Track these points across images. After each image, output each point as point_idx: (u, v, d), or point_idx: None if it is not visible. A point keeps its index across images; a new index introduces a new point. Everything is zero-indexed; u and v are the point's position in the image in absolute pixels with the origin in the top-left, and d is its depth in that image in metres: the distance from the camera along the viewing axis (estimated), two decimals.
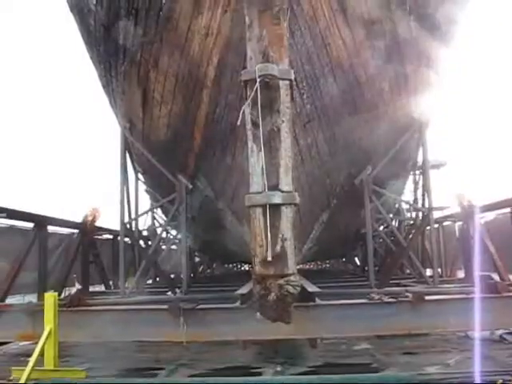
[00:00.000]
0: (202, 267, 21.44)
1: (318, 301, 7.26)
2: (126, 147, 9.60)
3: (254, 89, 4.28)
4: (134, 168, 10.47)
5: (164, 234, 12.98)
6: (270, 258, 4.17)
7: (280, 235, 4.22)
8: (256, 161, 4.25)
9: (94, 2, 6.98)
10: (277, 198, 4.19)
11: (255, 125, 4.29)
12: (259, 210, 4.20)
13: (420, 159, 10.31)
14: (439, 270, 12.10)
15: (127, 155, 9.75)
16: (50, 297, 6.65)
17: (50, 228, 10.76)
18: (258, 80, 4.28)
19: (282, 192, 4.23)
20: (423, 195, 10.21)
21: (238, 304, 7.26)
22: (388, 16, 6.58)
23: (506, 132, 49.18)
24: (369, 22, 6.44)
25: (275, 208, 4.20)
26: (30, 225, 10.10)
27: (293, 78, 4.55)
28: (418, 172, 11.94)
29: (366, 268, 11.51)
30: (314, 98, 6.70)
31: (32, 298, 9.84)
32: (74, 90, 51.40)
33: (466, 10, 7.73)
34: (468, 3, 7.62)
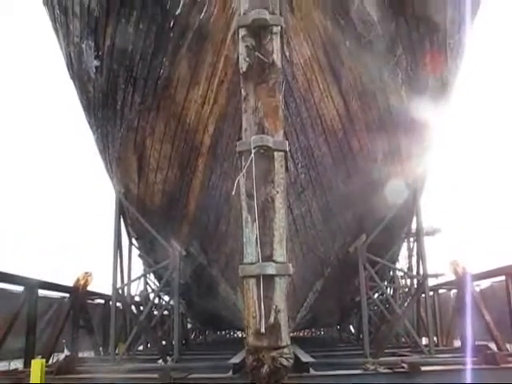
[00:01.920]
0: (194, 334, 21.15)
1: (312, 371, 7.13)
2: (121, 212, 9.62)
3: (249, 160, 4.31)
4: (128, 233, 10.45)
5: (156, 300, 12.86)
6: (263, 330, 4.11)
7: (273, 306, 4.16)
8: (250, 231, 4.24)
9: (94, 71, 7.14)
10: (270, 269, 4.15)
11: (249, 196, 4.31)
12: (253, 281, 4.16)
13: (414, 226, 10.35)
14: (435, 338, 11.92)
15: (121, 220, 9.75)
16: (37, 363, 6.53)
17: (41, 292, 10.61)
18: (253, 151, 4.32)
19: (276, 263, 4.19)
20: (418, 262, 10.17)
21: (230, 374, 7.11)
22: (380, 87, 6.74)
23: (502, 199, 49.48)
24: (362, 94, 6.58)
25: (269, 279, 4.16)
26: (20, 288, 9.96)
27: (287, 149, 4.59)
28: (412, 239, 11.94)
29: (361, 336, 11.34)
30: (308, 167, 6.77)
31: (18, 363, 9.61)
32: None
33: (459, 76, 7.92)
34: (460, 68, 7.80)
